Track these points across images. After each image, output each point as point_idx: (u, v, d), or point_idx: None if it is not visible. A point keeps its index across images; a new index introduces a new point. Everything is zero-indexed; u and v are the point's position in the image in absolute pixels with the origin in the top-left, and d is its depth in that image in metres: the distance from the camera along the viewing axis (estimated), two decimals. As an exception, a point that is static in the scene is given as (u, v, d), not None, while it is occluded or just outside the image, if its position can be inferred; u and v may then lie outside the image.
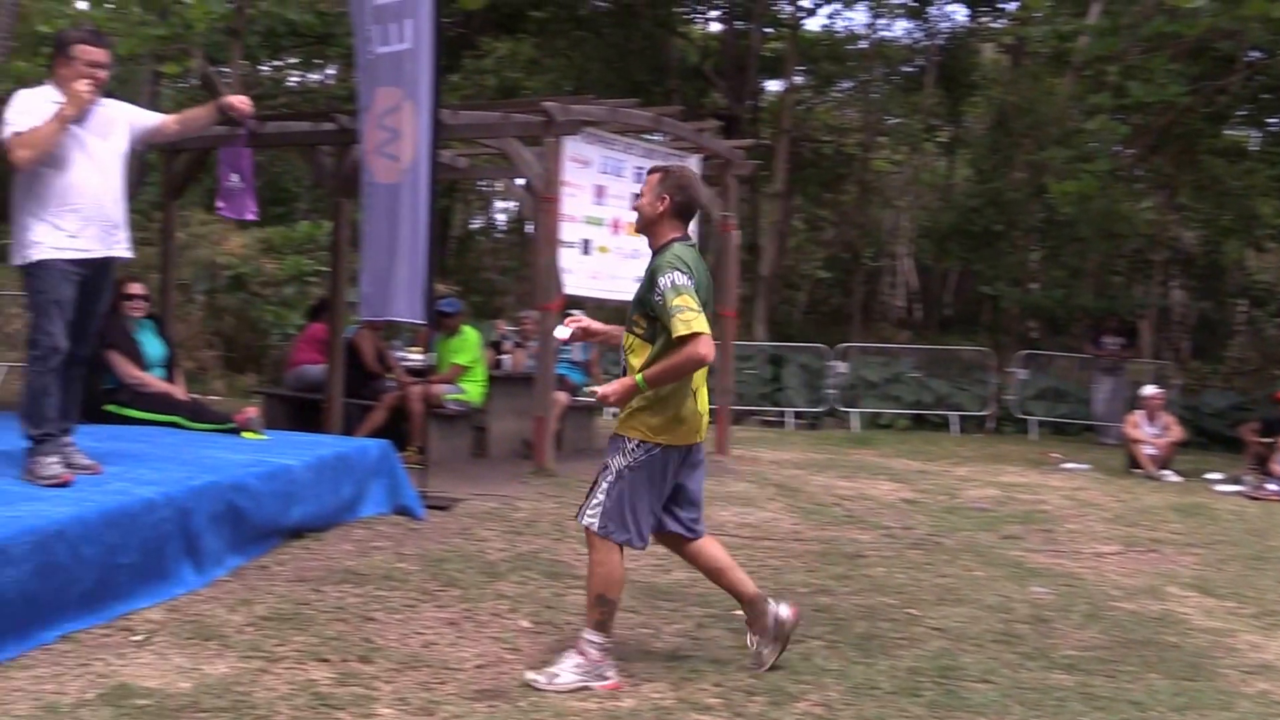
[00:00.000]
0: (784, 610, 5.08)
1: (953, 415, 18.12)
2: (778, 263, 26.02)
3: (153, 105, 23.36)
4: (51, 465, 5.79)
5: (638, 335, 4.89)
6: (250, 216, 7.00)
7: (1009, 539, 8.61)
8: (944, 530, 8.82)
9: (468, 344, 10.54)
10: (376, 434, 9.43)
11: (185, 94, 24.90)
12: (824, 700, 4.68)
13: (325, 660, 4.86)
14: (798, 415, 18.31)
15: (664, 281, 4.72)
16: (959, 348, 20.64)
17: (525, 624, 5.61)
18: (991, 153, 23.51)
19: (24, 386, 5.98)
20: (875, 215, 29.48)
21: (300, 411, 10.90)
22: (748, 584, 5.20)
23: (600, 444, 12.33)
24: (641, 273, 11.17)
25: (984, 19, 27.91)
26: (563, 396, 11.14)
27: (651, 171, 5.10)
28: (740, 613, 5.96)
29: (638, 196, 5.07)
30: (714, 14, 28.01)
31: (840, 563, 7.42)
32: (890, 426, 18.07)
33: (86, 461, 6.06)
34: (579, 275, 10.42)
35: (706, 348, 4.67)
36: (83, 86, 5.73)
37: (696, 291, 4.74)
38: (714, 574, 5.21)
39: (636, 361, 4.91)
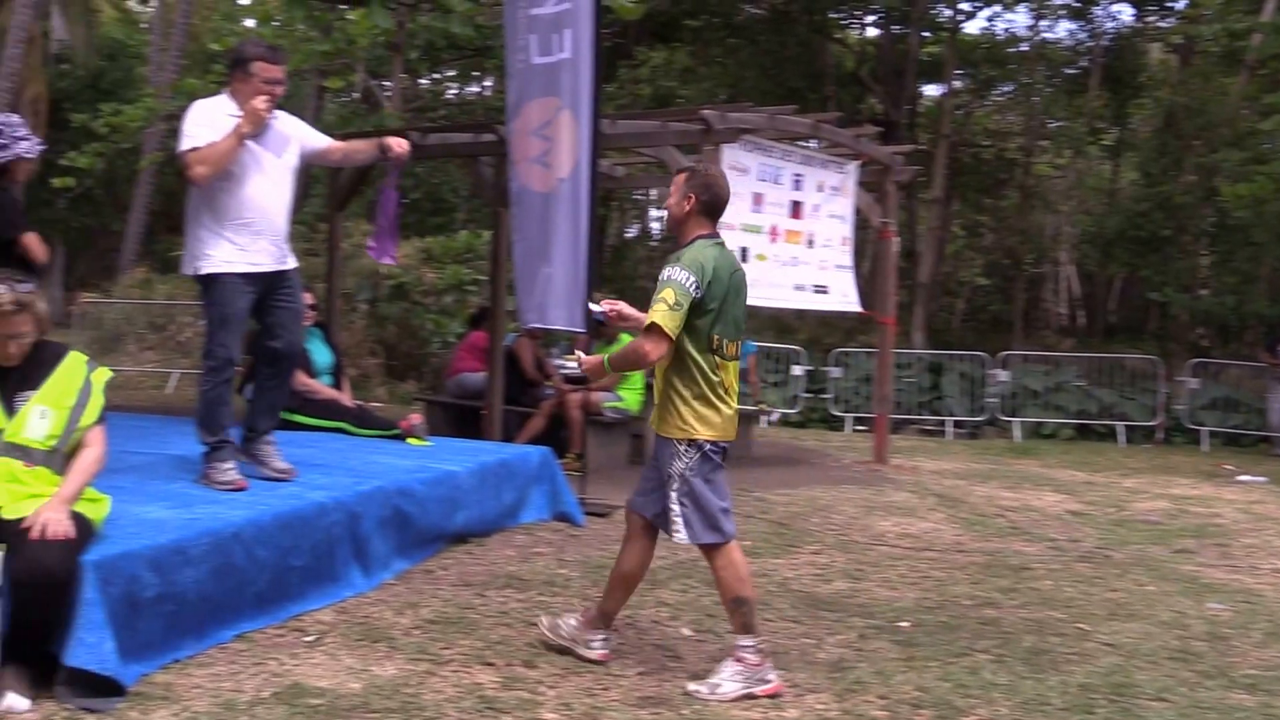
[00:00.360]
0: (600, 652, 5.06)
1: (1119, 425, 17.64)
2: (936, 269, 25.65)
3: (316, 119, 24.04)
4: (228, 471, 5.93)
5: None
6: (389, 260, 7.03)
7: (1182, 553, 8.33)
8: (1113, 543, 8.57)
9: (625, 352, 10.55)
10: (535, 441, 9.52)
11: (347, 108, 25.55)
12: (993, 715, 4.57)
13: (490, 664, 4.91)
14: (957, 424, 18.02)
15: (663, 274, 4.83)
16: (1125, 355, 20.06)
17: (687, 632, 5.60)
18: (1160, 155, 22.88)
19: (199, 396, 6.14)
20: (1037, 221, 28.87)
21: (460, 418, 11.06)
22: (620, 606, 5.22)
23: (756, 452, 12.29)
24: (800, 280, 11.13)
25: (1151, 18, 27.15)
26: (720, 404, 11.10)
27: (678, 172, 5.16)
28: (905, 624, 5.89)
29: (667, 197, 5.15)
30: (870, 19, 27.73)
31: (1005, 575, 7.26)
32: (1053, 436, 17.66)
33: (284, 465, 6.19)
34: (737, 283, 10.36)
35: (653, 344, 4.77)
36: (260, 104, 5.83)
37: (709, 290, 4.80)
38: (628, 572, 5.17)
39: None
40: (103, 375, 4.71)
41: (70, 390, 4.54)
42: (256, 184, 5.97)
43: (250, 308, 6.03)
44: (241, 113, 5.88)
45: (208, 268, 5.94)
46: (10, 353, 4.48)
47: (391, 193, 6.77)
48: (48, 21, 29.38)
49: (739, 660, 4.79)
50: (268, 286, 6.07)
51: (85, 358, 4.73)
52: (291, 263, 6.24)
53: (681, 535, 4.88)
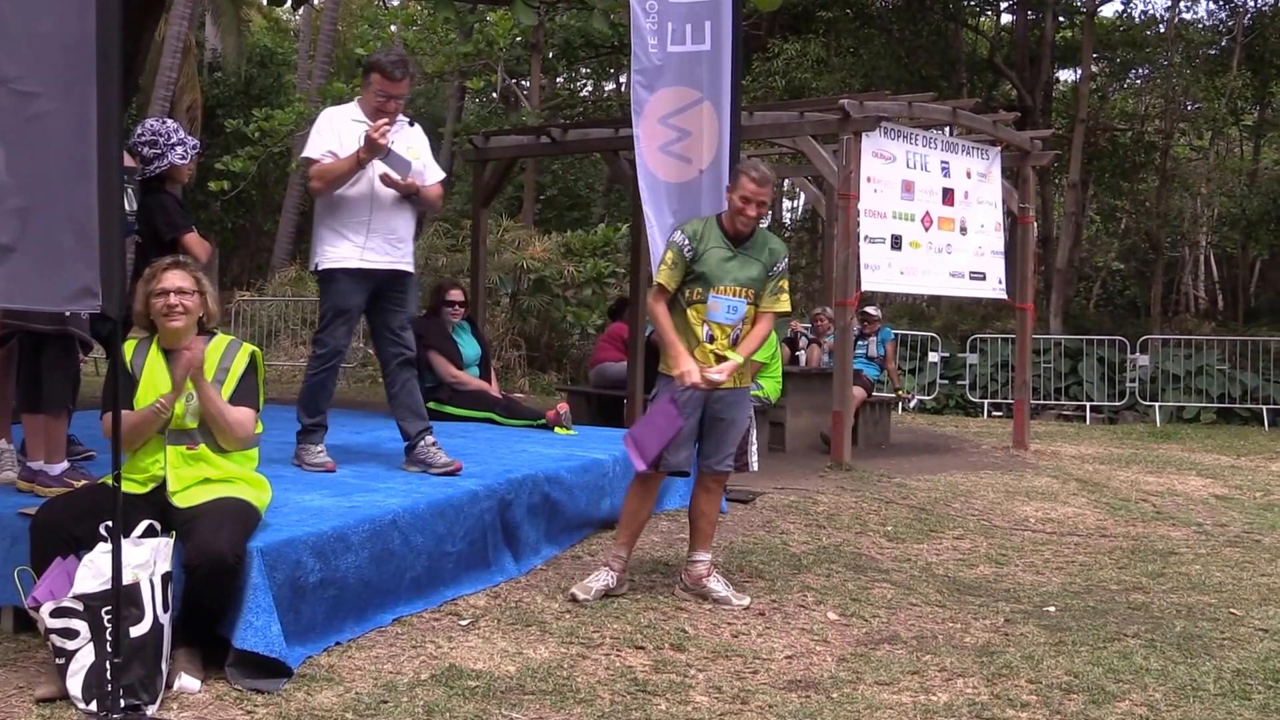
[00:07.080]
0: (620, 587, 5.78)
1: (1264, 409, 17.20)
2: (1072, 255, 25.24)
3: (458, 119, 24.44)
4: (319, 454, 6.25)
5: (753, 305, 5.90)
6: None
7: (1335, 538, 8.17)
8: (1261, 527, 8.44)
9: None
10: (676, 429, 9.62)
11: (487, 107, 25.96)
12: (1147, 701, 4.54)
13: (640, 648, 5.01)
14: (1095, 409, 17.75)
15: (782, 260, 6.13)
16: (1270, 338, 19.51)
17: (832, 616, 5.66)
18: (1303, 134, 22.23)
19: (305, 379, 6.45)
20: (1175, 204, 28.23)
21: (602, 408, 11.22)
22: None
23: (895, 439, 12.29)
24: (955, 267, 11.13)
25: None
26: (859, 392, 11.13)
27: (767, 183, 5.84)
28: (1051, 608, 5.90)
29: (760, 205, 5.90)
30: (1005, 4, 27.39)
31: (1152, 560, 7.21)
32: (1195, 420, 17.32)
33: (447, 460, 6.31)
34: (887, 271, 10.37)
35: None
36: (377, 135, 5.91)
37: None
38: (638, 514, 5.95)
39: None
40: (247, 349, 4.84)
41: (211, 368, 4.68)
42: (374, 188, 6.14)
43: (363, 305, 6.27)
44: (367, 119, 6.06)
45: (325, 264, 6.20)
46: (179, 322, 4.65)
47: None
48: (201, 31, 30.38)
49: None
50: (381, 286, 6.28)
51: (229, 338, 4.87)
52: (407, 266, 6.38)
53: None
